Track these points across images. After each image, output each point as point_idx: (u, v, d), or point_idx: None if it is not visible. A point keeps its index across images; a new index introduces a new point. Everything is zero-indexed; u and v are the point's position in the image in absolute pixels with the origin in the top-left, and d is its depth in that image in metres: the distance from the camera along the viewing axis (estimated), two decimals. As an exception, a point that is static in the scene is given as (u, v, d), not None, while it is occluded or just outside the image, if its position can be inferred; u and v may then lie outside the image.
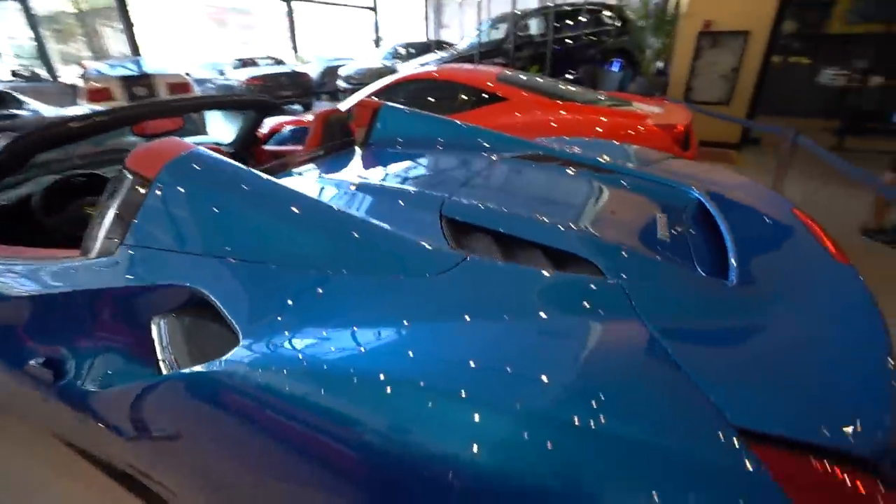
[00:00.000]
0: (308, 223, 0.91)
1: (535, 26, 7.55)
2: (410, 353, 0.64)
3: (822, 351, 0.67)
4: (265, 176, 1.04)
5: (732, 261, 0.92)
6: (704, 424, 0.51)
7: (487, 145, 1.73)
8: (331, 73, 10.83)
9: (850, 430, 0.52)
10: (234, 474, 0.77)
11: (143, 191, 0.99)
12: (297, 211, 0.92)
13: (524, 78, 3.56)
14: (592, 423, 0.51)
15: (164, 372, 0.82)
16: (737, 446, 0.49)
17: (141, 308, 0.94)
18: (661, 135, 2.71)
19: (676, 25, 5.92)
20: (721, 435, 0.50)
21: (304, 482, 0.67)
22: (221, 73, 9.86)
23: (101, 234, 1.00)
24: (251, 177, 1.02)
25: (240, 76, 9.14)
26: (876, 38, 6.22)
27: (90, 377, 0.98)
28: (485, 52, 7.23)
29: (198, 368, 0.74)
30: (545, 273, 0.81)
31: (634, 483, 0.48)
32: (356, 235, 0.87)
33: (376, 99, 1.97)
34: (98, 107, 5.23)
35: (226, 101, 2.00)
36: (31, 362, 1.04)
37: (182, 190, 0.98)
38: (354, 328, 0.71)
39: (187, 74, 7.60)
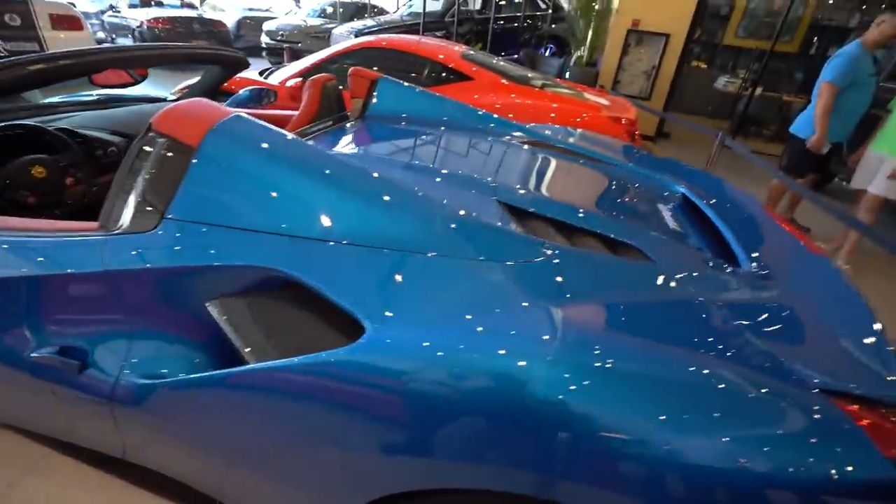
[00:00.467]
0: (395, 204, 0.90)
1: (472, 1, 7.56)
2: (546, 337, 0.69)
3: (840, 325, 0.87)
4: (320, 147, 1.00)
5: (738, 250, 1.10)
6: (795, 387, 0.66)
7: (487, 126, 1.79)
8: (247, 25, 9.80)
9: (888, 381, 0.71)
10: (358, 467, 0.76)
11: (184, 159, 0.91)
12: (382, 191, 0.91)
13: (485, 58, 3.61)
14: (714, 399, 0.62)
15: (252, 361, 0.78)
16: (823, 401, 0.64)
17: (195, 289, 0.87)
18: (613, 126, 2.96)
19: (607, 19, 6.33)
20: (810, 394, 0.65)
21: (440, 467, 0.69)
22: (113, 8, 8.41)
23: (130, 204, 0.89)
24: (311, 150, 0.99)
25: (138, 16, 7.89)
26: (759, 52, 7.26)
27: (129, 367, 0.90)
28: (425, 25, 7.09)
29: (318, 357, 0.71)
30: (638, 261, 0.91)
31: (754, 432, 0.60)
32: (447, 218, 0.89)
33: (366, 69, 1.90)
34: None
35: (197, 53, 1.79)
36: (42, 352, 0.92)
37: (237, 161, 0.92)
38: (475, 313, 0.73)
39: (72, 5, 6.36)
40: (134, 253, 0.85)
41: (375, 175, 0.95)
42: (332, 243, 0.82)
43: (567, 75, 6.13)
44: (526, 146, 1.63)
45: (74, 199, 1.64)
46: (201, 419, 0.86)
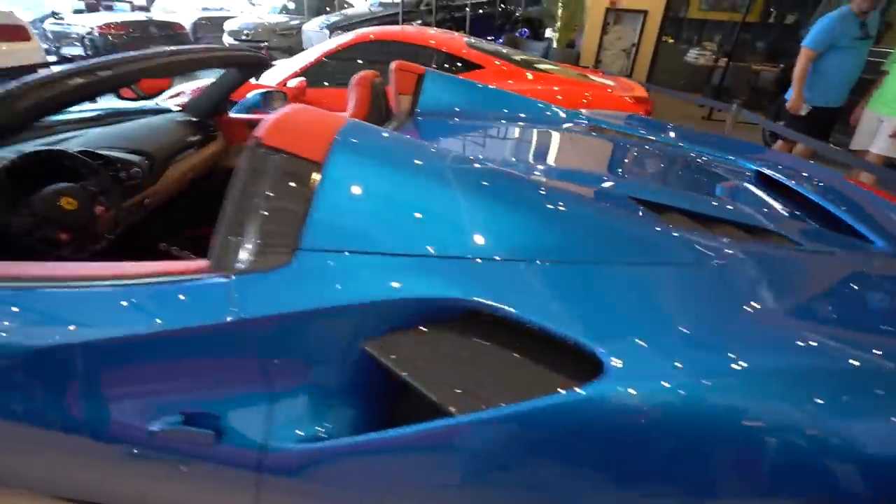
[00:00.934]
0: (559, 212, 0.82)
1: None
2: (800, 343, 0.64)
3: None
4: (456, 152, 0.92)
5: (861, 227, 1.07)
6: None
7: (553, 117, 1.72)
8: (204, 26, 9.28)
9: None
10: None
11: (310, 177, 0.78)
12: (549, 199, 0.83)
13: (487, 45, 3.53)
14: None
15: (456, 410, 0.65)
16: None
17: (345, 330, 0.74)
18: (633, 107, 2.96)
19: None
20: None
21: None
22: (55, 14, 7.76)
23: (251, 237, 0.76)
24: (450, 156, 0.90)
25: (86, 22, 7.32)
26: (721, 24, 7.46)
27: (276, 431, 0.76)
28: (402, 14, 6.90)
29: (551, 400, 0.61)
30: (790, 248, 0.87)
31: None
32: (618, 224, 0.83)
33: (409, 63, 1.79)
34: None
35: (217, 56, 1.62)
36: (164, 424, 0.77)
37: (377, 175, 0.81)
38: (710, 328, 0.66)
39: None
40: (269, 295, 0.72)
41: (532, 180, 0.87)
42: (515, 262, 0.72)
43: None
44: (610, 136, 1.57)
45: (105, 230, 1.48)
46: (377, 482, 0.76)
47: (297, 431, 0.75)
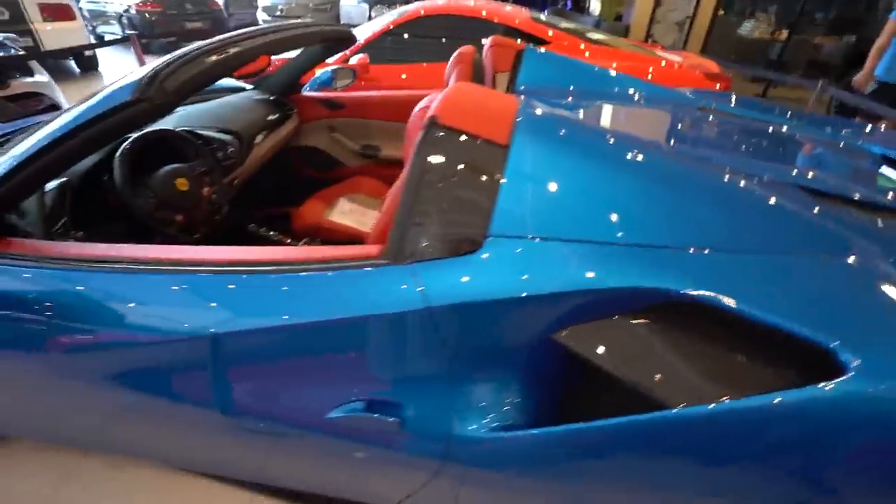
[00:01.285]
0: (757, 202, 0.75)
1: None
2: None
3: None
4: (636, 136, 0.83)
5: None
6: None
7: (661, 96, 1.59)
8: (237, 2, 9.17)
9: None
10: None
11: (497, 160, 0.75)
12: (736, 188, 0.77)
13: (549, 18, 3.35)
14: None
15: (680, 403, 0.62)
16: None
17: (535, 320, 0.70)
18: (709, 84, 2.76)
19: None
20: None
21: None
22: (92, -7, 7.75)
23: (434, 223, 0.72)
24: (636, 141, 0.82)
25: (123, 0, 7.28)
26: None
27: (462, 420, 0.73)
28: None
29: (788, 396, 0.56)
30: None
31: None
32: (816, 217, 0.75)
33: (506, 38, 1.68)
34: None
35: (313, 32, 1.53)
36: (347, 411, 0.75)
37: (561, 160, 0.77)
38: None
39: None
40: (455, 283, 0.68)
41: (716, 169, 0.79)
42: (721, 253, 0.66)
43: (598, 32, 5.83)
44: (736, 118, 1.43)
45: (211, 212, 1.44)
46: (573, 477, 0.72)
47: (483, 420, 0.72)
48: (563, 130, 0.81)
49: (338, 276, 0.74)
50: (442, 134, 0.76)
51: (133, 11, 7.08)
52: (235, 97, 1.99)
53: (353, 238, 1.69)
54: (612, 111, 1.27)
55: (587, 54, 2.92)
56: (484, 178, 0.74)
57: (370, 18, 7.48)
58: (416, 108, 1.06)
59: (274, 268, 0.77)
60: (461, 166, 0.74)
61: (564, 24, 3.38)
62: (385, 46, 3.15)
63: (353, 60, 2.94)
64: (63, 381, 0.94)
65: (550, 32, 2.98)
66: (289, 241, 1.84)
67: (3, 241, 0.92)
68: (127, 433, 1.05)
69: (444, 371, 0.72)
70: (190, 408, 0.87)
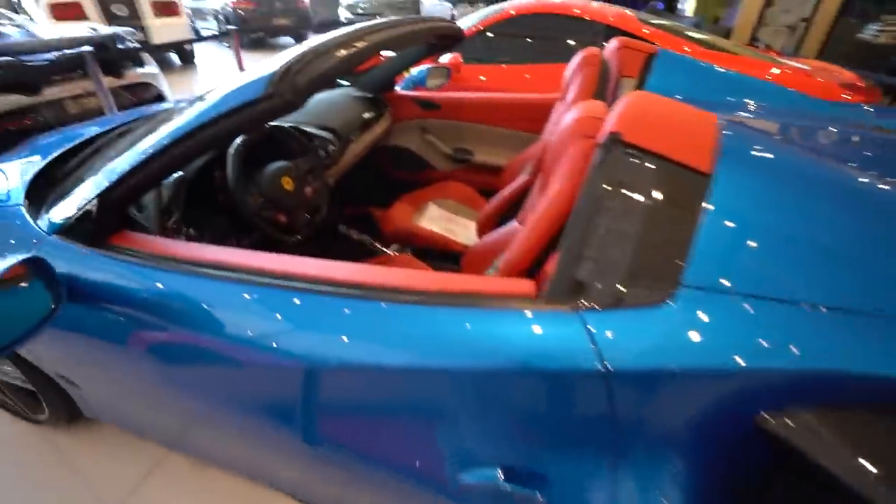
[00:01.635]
0: None
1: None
2: None
3: None
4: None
5: None
6: None
7: (815, 109, 1.35)
8: (320, 1, 9.51)
9: None
10: None
11: (696, 192, 0.60)
12: None
13: (650, 18, 3.08)
14: None
15: None
16: None
17: (741, 396, 0.54)
18: (859, 99, 2.38)
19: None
20: None
21: None
22: (195, -9, 8.34)
23: (612, 263, 0.58)
24: (866, 174, 0.64)
25: (220, -2, 7.77)
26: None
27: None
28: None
29: None
30: None
31: None
32: None
33: (636, 41, 1.50)
34: (67, 25, 4.15)
35: (427, 27, 1.44)
36: (480, 478, 0.63)
37: (782, 198, 0.62)
38: None
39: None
40: (634, 341, 0.54)
41: None
42: None
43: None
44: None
45: (311, 213, 1.39)
46: None
47: None
48: (783, 161, 0.66)
49: (485, 316, 0.62)
50: (627, 154, 0.64)
51: (229, 8, 7.52)
52: (333, 93, 1.96)
53: (445, 248, 1.59)
54: (798, 133, 1.06)
55: (713, 61, 2.63)
56: (679, 213, 0.59)
57: (452, 18, 7.43)
58: (568, 118, 0.92)
59: (406, 297, 0.67)
60: (651, 196, 0.60)
61: (663, 21, 3.09)
62: (474, 46, 3.04)
63: (444, 59, 2.85)
64: (158, 380, 0.92)
65: (655, 33, 2.72)
66: (377, 244, 1.77)
67: (122, 235, 0.90)
68: (220, 443, 1.01)
69: (607, 446, 0.58)
70: (292, 440, 0.80)
